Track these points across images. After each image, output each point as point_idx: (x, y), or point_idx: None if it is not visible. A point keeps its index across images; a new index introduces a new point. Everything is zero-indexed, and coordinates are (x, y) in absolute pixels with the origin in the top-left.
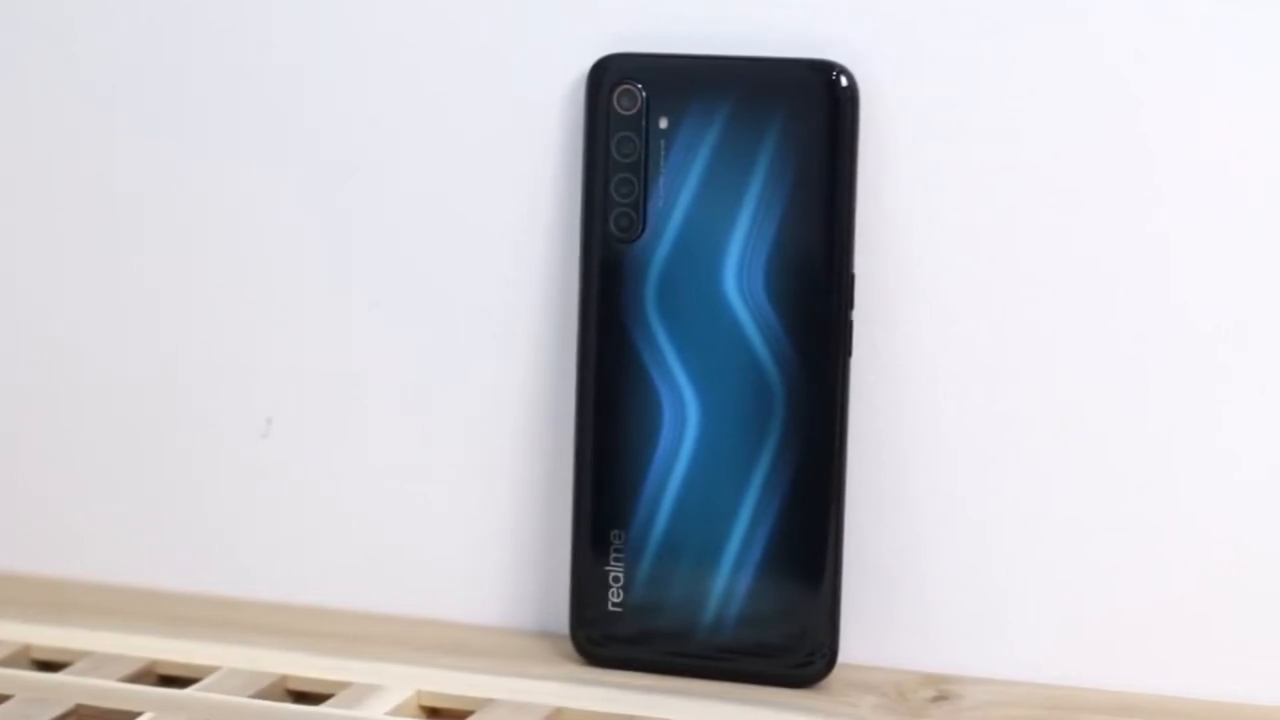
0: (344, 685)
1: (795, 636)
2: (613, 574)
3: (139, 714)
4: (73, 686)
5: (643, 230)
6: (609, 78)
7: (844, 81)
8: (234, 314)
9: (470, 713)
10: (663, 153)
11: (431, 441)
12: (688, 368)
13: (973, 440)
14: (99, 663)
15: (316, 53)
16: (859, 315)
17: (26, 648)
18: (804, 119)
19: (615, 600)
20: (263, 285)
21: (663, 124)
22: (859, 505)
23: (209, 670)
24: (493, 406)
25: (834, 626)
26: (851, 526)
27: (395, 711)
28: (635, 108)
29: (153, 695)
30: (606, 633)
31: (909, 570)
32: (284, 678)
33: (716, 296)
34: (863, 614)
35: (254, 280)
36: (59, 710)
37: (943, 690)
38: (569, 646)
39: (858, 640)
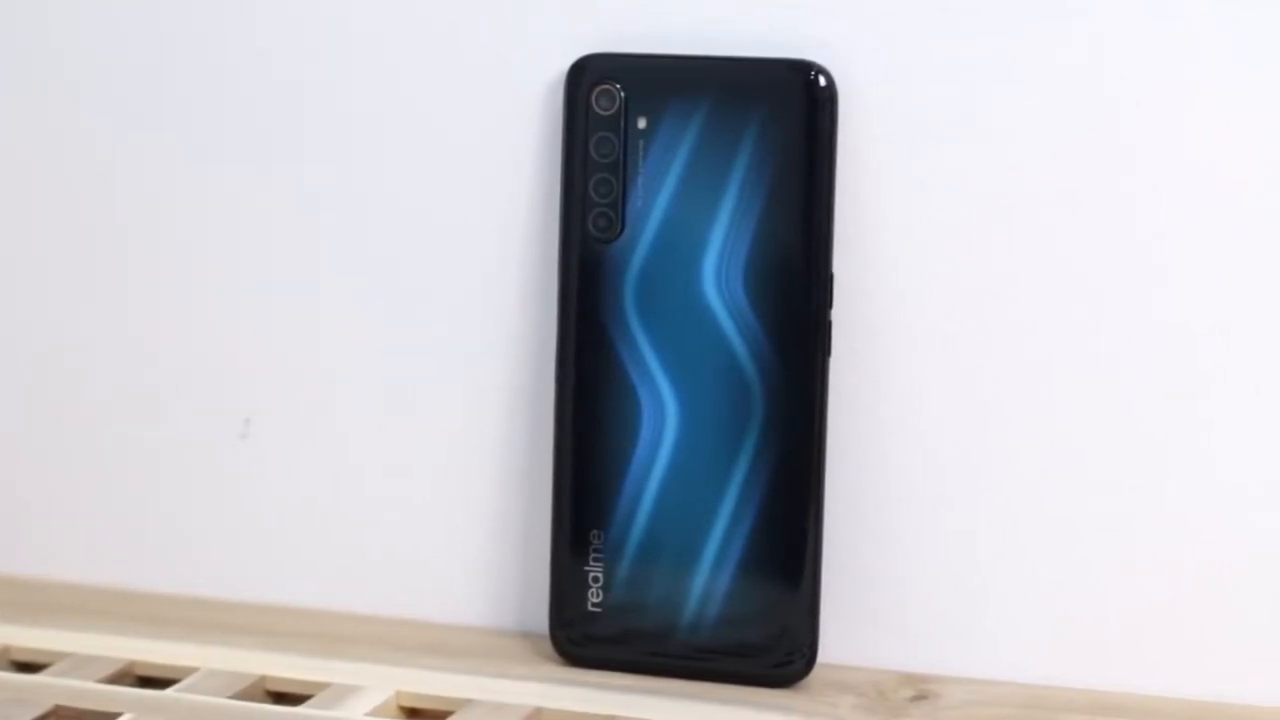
0: (323, 686)
1: (775, 636)
2: (592, 574)
3: (118, 715)
4: (52, 687)
5: (621, 230)
6: (587, 78)
7: (822, 81)
8: (212, 314)
9: (450, 713)
10: (641, 153)
11: (411, 442)
12: (667, 368)
13: (952, 440)
14: (78, 664)
15: (295, 52)
16: (838, 315)
17: (5, 649)
18: (782, 119)
19: (595, 600)
20: (241, 285)
21: (641, 124)
22: (838, 505)
23: (188, 671)
24: (472, 407)
25: (813, 626)
26: (831, 526)
27: (375, 712)
28: (614, 108)
29: (132, 696)
30: (586, 633)
31: (888, 570)
32: (263, 678)
33: (695, 296)
34: (842, 614)
35: (232, 280)
36: (38, 711)
37: (922, 690)
38: (548, 646)
39: (837, 640)
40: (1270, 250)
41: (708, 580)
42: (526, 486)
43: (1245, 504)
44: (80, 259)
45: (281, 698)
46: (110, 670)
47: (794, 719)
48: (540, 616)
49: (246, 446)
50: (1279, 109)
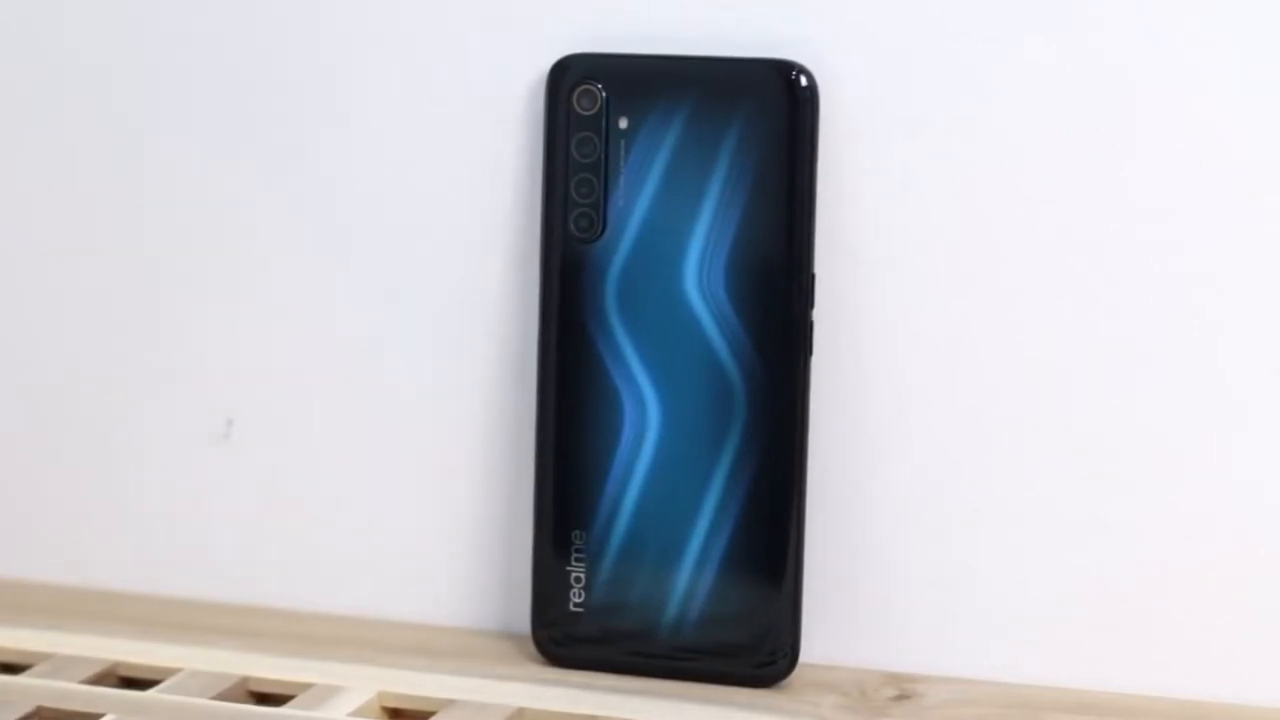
0: (306, 686)
1: (757, 636)
2: (574, 574)
3: (100, 716)
4: (34, 689)
5: (603, 230)
6: (569, 78)
7: (804, 81)
8: (195, 315)
9: (432, 713)
10: (623, 153)
11: (393, 443)
12: (648, 368)
13: (934, 440)
14: (60, 665)
15: (277, 52)
16: (819, 315)
17: None
18: (764, 119)
19: (577, 600)
20: (225, 286)
21: (623, 124)
22: (820, 505)
23: (171, 672)
24: (454, 407)
25: (795, 626)
26: (813, 526)
27: (357, 712)
28: (595, 108)
29: (114, 697)
30: (568, 633)
31: (871, 569)
32: (246, 679)
33: (677, 296)
34: (824, 613)
35: (215, 281)
36: (20, 712)
37: (904, 689)
38: (531, 647)
39: (819, 640)
40: (1275, 247)
41: (690, 580)
42: (508, 487)
43: (1234, 502)
44: (61, 261)
45: (264, 698)
46: (93, 671)
47: (776, 719)
48: (522, 617)
49: (229, 447)
50: (1267, 105)
